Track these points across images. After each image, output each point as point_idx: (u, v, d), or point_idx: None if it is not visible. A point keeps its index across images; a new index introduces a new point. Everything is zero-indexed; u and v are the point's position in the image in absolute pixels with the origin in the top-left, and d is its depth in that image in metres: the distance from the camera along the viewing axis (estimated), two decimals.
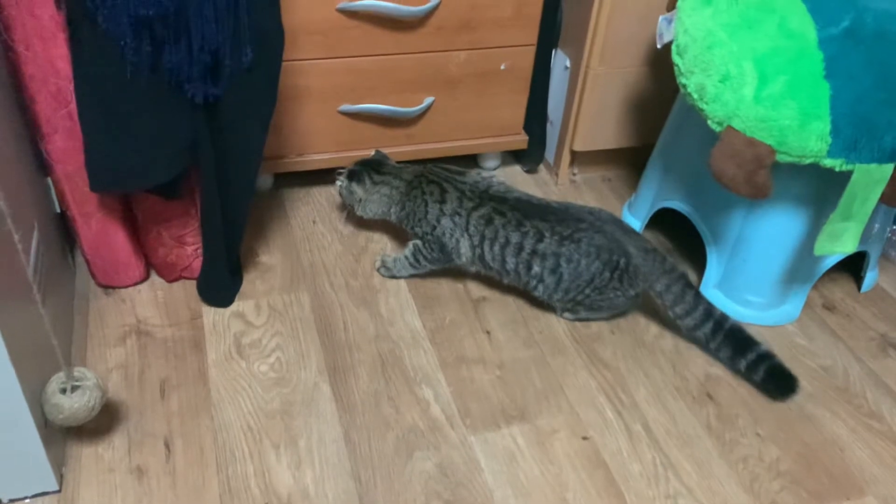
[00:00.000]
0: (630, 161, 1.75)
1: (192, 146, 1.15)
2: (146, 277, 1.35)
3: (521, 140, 1.66)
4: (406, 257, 1.37)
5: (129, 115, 1.09)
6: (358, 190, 1.39)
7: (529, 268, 1.26)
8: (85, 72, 1.05)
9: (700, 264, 1.41)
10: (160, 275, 1.36)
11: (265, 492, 1.03)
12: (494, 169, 1.74)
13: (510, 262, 1.27)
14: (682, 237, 1.52)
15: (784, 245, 1.28)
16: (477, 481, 1.07)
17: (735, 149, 1.12)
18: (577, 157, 1.69)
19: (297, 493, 1.03)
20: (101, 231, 1.24)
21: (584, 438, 1.14)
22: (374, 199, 1.39)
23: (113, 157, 1.12)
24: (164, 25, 1.02)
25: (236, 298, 1.33)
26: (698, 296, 1.23)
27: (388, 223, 1.45)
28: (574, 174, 1.73)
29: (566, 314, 1.33)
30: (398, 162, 1.55)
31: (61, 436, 1.06)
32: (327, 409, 1.15)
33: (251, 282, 1.37)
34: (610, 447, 1.13)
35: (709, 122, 1.15)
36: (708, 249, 1.38)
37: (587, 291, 1.26)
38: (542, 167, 1.75)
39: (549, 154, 1.72)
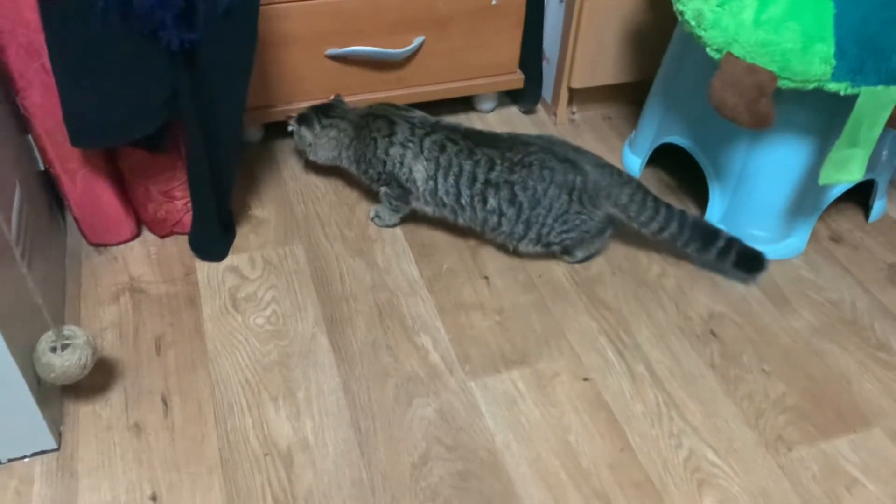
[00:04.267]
0: (631, 98, 1.69)
1: (173, 97, 1.11)
2: (138, 234, 1.33)
3: (516, 79, 1.61)
4: (386, 205, 1.35)
5: (104, 67, 1.05)
6: (307, 134, 1.36)
7: (485, 201, 1.23)
8: (54, 22, 1.01)
9: (703, 200, 1.37)
10: (151, 231, 1.34)
11: (264, 444, 1.03)
12: (491, 111, 1.69)
13: (465, 195, 1.24)
14: (685, 173, 1.48)
15: (789, 176, 1.24)
16: (478, 426, 1.06)
17: (735, 77, 1.07)
18: (575, 95, 1.64)
19: (297, 444, 1.03)
20: (87, 188, 1.22)
21: (586, 380, 1.12)
22: (323, 144, 1.36)
23: (91, 111, 1.08)
24: None
25: (230, 252, 1.31)
26: (657, 199, 1.24)
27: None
28: (573, 113, 1.68)
29: (566, 257, 1.30)
30: None
31: (58, 395, 1.06)
32: (325, 360, 1.14)
33: (244, 235, 1.35)
34: (612, 388, 1.11)
35: (707, 49, 1.10)
36: (710, 184, 1.34)
37: (549, 222, 1.23)
38: (539, 107, 1.70)
39: (547, 93, 1.67)
